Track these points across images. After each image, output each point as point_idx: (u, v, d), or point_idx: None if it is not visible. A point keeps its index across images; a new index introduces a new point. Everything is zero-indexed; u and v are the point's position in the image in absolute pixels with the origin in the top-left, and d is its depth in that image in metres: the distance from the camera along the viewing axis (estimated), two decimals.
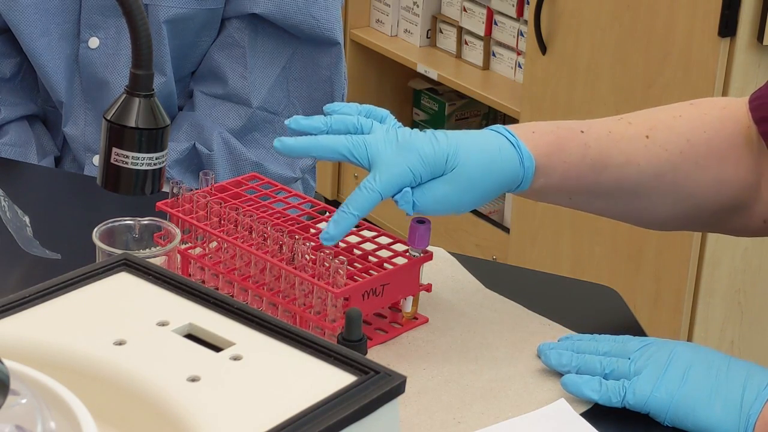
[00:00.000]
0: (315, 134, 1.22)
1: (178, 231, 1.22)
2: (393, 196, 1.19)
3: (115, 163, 1.18)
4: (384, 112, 1.25)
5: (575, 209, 1.32)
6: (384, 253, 1.28)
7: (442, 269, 1.37)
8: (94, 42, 1.76)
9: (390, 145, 1.19)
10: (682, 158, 1.27)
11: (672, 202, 1.29)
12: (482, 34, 3.07)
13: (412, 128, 1.23)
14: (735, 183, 1.29)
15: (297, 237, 1.23)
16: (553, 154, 1.24)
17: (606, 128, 1.27)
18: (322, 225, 1.32)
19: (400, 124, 1.24)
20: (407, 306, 1.26)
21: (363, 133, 1.21)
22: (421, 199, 1.19)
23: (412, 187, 1.19)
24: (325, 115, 1.24)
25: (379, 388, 0.87)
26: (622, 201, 1.29)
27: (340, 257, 1.19)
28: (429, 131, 1.21)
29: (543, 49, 2.63)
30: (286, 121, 1.24)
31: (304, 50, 1.80)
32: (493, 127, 1.24)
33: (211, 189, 1.32)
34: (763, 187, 1.30)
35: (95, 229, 1.21)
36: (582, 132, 1.26)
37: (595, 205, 1.30)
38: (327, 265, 1.18)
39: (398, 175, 1.18)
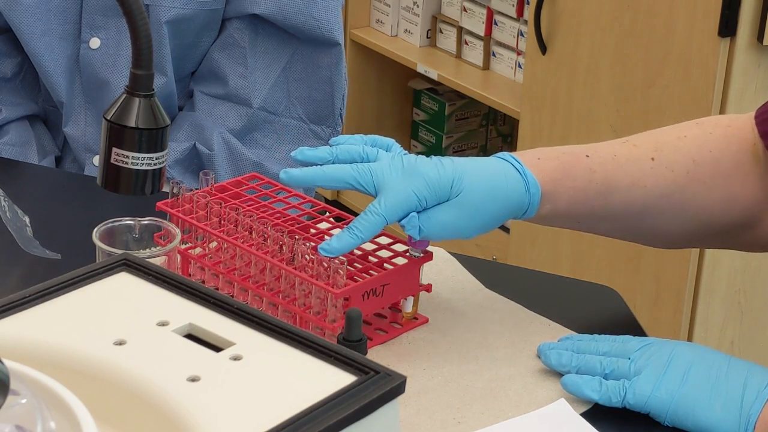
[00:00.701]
0: (320, 164, 1.22)
1: (178, 231, 1.22)
2: (399, 221, 1.20)
3: (115, 163, 1.18)
4: (389, 140, 1.26)
5: (584, 232, 1.32)
6: (384, 253, 1.28)
7: (442, 269, 1.37)
8: (95, 42, 1.76)
9: (395, 171, 1.20)
10: (688, 178, 1.27)
11: (680, 222, 1.29)
12: (482, 34, 3.07)
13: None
14: (743, 200, 1.29)
15: (297, 237, 1.23)
16: (559, 180, 1.24)
17: (611, 151, 1.27)
18: (322, 225, 1.32)
19: (406, 151, 1.25)
20: (407, 306, 1.26)
21: (368, 162, 1.21)
22: (427, 224, 1.19)
23: (417, 212, 1.19)
24: (330, 146, 1.25)
25: (379, 388, 0.87)
26: (631, 223, 1.29)
27: (340, 257, 1.19)
28: (435, 157, 1.22)
29: (543, 49, 2.63)
30: (292, 153, 1.25)
31: (304, 51, 1.80)
32: (499, 154, 1.25)
33: (211, 189, 1.32)
34: None
35: (95, 229, 1.21)
36: (587, 156, 1.26)
37: (603, 228, 1.30)
38: (327, 265, 1.18)
39: (404, 200, 1.18)
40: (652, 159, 1.27)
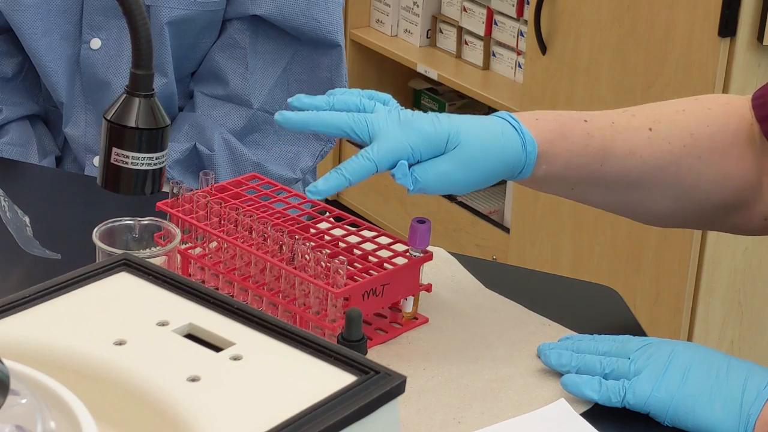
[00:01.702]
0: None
1: (178, 231, 1.22)
2: (390, 171, 1.18)
3: (115, 163, 1.18)
4: (386, 96, 1.25)
5: (576, 201, 1.31)
6: (384, 253, 1.28)
7: (442, 269, 1.37)
8: (95, 43, 1.76)
9: (392, 123, 1.19)
10: (685, 152, 1.27)
11: (673, 196, 1.29)
12: (482, 34, 3.07)
13: None
14: (737, 179, 1.29)
15: (297, 237, 1.23)
16: (555, 141, 1.23)
17: (609, 119, 1.27)
18: (322, 225, 1.32)
19: (403, 107, 1.24)
20: (407, 306, 1.26)
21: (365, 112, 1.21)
22: (423, 175, 1.18)
23: (412, 164, 1.18)
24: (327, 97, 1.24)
25: (379, 388, 0.87)
26: (624, 193, 1.28)
27: (340, 257, 1.19)
28: (431, 113, 1.21)
29: (543, 49, 2.63)
30: (289, 99, 1.23)
31: (304, 52, 1.80)
32: (497, 113, 1.24)
33: (211, 189, 1.32)
34: (765, 184, 1.30)
35: (95, 229, 1.21)
36: (585, 121, 1.25)
37: (596, 196, 1.29)
38: (327, 265, 1.18)
39: (397, 150, 1.17)
40: (650, 129, 1.27)
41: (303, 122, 1.20)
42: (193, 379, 0.87)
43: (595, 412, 1.16)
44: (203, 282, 1.28)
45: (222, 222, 1.27)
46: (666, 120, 1.28)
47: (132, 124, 1.17)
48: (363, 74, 3.34)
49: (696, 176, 1.28)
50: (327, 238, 1.30)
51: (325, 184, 1.16)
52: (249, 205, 1.31)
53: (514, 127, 1.22)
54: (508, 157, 1.21)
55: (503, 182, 3.15)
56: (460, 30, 3.13)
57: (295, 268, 1.20)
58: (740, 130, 1.29)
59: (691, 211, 1.31)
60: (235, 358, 0.90)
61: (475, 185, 1.21)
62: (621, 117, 1.28)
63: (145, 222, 1.24)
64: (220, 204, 1.28)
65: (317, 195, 1.17)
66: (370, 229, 1.32)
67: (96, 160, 1.79)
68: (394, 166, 1.17)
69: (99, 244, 1.20)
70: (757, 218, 1.32)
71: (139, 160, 1.18)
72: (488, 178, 1.21)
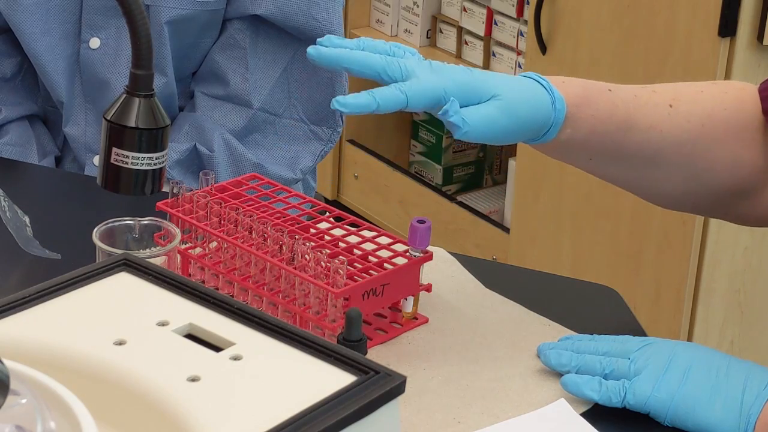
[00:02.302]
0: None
1: (178, 231, 1.22)
2: (436, 112, 1.16)
3: (115, 163, 1.18)
4: (412, 48, 1.24)
5: (591, 173, 1.29)
6: (384, 253, 1.28)
7: (442, 269, 1.37)
8: (95, 42, 1.76)
9: (425, 68, 1.17)
10: (702, 131, 1.27)
11: (686, 177, 1.29)
12: (482, 34, 3.07)
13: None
14: (749, 165, 1.29)
15: (297, 237, 1.23)
16: (582, 105, 1.22)
17: (632, 92, 1.26)
18: (322, 225, 1.32)
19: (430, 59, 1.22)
20: (407, 306, 1.26)
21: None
22: (472, 117, 1.15)
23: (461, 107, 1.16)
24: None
25: (379, 388, 0.87)
26: (640, 168, 1.27)
27: (340, 257, 1.19)
28: (462, 66, 1.20)
29: (543, 49, 2.63)
30: (318, 40, 1.20)
31: (304, 51, 1.80)
32: (525, 73, 1.23)
33: (211, 189, 1.32)
34: None
35: (95, 229, 1.21)
36: (610, 90, 1.25)
37: (612, 169, 1.28)
38: (327, 265, 1.18)
39: (431, 91, 1.15)
40: (671, 106, 1.27)
41: (337, 58, 1.17)
42: (193, 379, 0.87)
43: (595, 412, 1.16)
44: (203, 282, 1.28)
45: (222, 222, 1.27)
46: (686, 99, 1.28)
47: (132, 124, 1.17)
48: None
49: (710, 158, 1.28)
50: (327, 238, 1.30)
51: (354, 99, 1.13)
52: (249, 205, 1.31)
53: (543, 86, 1.21)
54: (540, 112, 1.19)
55: (503, 182, 3.15)
56: (460, 30, 3.13)
57: (295, 268, 1.20)
58: (753, 117, 1.29)
59: (700, 193, 1.31)
60: (235, 358, 0.90)
61: (515, 135, 1.19)
62: (643, 91, 1.27)
63: (145, 222, 1.24)
64: (220, 204, 1.28)
65: (344, 107, 1.13)
66: (370, 229, 1.32)
67: (96, 160, 1.79)
68: (427, 106, 1.15)
69: (99, 244, 1.20)
70: (762, 207, 1.32)
71: (139, 160, 1.18)
72: (525, 129, 1.19)
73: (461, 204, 3.10)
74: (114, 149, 1.18)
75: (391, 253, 1.27)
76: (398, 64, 1.17)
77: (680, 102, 1.27)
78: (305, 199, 1.35)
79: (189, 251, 1.29)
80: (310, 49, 1.18)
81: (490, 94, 1.17)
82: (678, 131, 1.26)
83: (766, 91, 1.30)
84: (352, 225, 1.32)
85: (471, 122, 1.15)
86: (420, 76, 1.16)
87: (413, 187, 3.16)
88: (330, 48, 1.18)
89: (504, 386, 1.19)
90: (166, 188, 1.26)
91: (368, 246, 1.29)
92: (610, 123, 1.23)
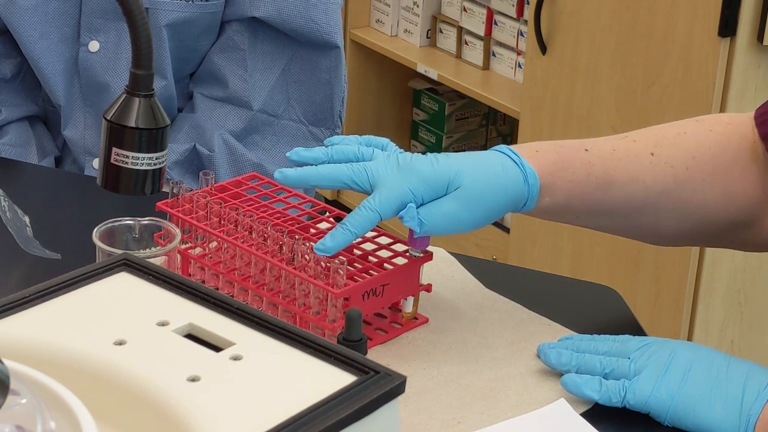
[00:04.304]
0: (315, 165, 1.22)
1: (178, 231, 1.22)
2: (398, 215, 1.19)
3: (115, 163, 1.18)
4: (385, 140, 1.26)
5: (585, 227, 1.32)
6: (384, 253, 1.28)
7: (442, 269, 1.37)
8: (94, 45, 1.76)
9: (391, 169, 1.20)
10: (688, 174, 1.27)
11: (679, 218, 1.29)
12: (482, 34, 3.07)
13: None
14: (742, 198, 1.29)
15: (297, 237, 1.23)
16: (557, 173, 1.24)
17: (610, 146, 1.27)
18: (322, 225, 1.32)
19: (402, 150, 1.25)
20: (407, 306, 1.26)
21: (364, 161, 1.22)
22: (428, 216, 1.19)
23: (418, 206, 1.19)
24: (325, 147, 1.25)
25: (379, 388, 0.87)
26: (630, 219, 1.29)
27: (340, 257, 1.19)
28: (431, 154, 1.22)
29: (543, 49, 2.63)
30: (287, 154, 1.25)
31: (303, 53, 1.80)
32: (496, 147, 1.25)
33: (211, 189, 1.32)
34: None
35: (95, 229, 1.21)
36: (586, 150, 1.26)
37: (602, 223, 1.30)
38: (326, 265, 1.18)
39: (398, 196, 1.19)
40: (652, 154, 1.27)
41: (303, 179, 1.22)
42: (193, 379, 0.87)
43: (595, 412, 1.16)
44: (203, 282, 1.28)
45: (222, 222, 1.27)
46: (667, 143, 1.28)
47: (132, 124, 1.17)
48: (363, 74, 3.34)
49: (701, 197, 1.28)
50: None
51: (332, 241, 1.18)
52: (249, 205, 1.31)
53: (514, 161, 1.22)
54: (510, 192, 1.22)
55: None
56: (460, 30, 3.13)
57: (295, 268, 1.20)
58: (742, 149, 1.29)
59: (698, 230, 1.31)
60: (235, 358, 0.90)
61: (479, 222, 1.22)
62: (622, 143, 1.28)
63: (145, 222, 1.24)
64: (220, 204, 1.28)
65: (325, 252, 1.18)
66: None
67: (95, 163, 1.79)
68: (398, 211, 1.19)
69: (99, 244, 1.20)
70: (765, 234, 1.32)
71: (139, 160, 1.18)
72: (492, 214, 1.22)
73: None
74: (114, 149, 1.18)
75: (391, 253, 1.27)
76: (365, 171, 1.20)
77: (662, 147, 1.28)
78: (305, 199, 1.35)
79: (189, 251, 1.29)
80: (276, 174, 1.23)
81: (454, 186, 1.19)
82: (662, 177, 1.27)
83: (762, 117, 1.29)
84: None
85: (429, 222, 1.19)
86: (386, 182, 1.19)
87: None
88: (295, 169, 1.22)
89: (504, 386, 1.19)
90: (166, 188, 1.26)
91: (368, 246, 1.29)
92: (588, 183, 1.25)
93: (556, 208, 1.25)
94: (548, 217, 1.28)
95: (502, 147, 1.24)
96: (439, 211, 1.19)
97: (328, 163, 1.23)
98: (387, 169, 1.20)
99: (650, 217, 1.29)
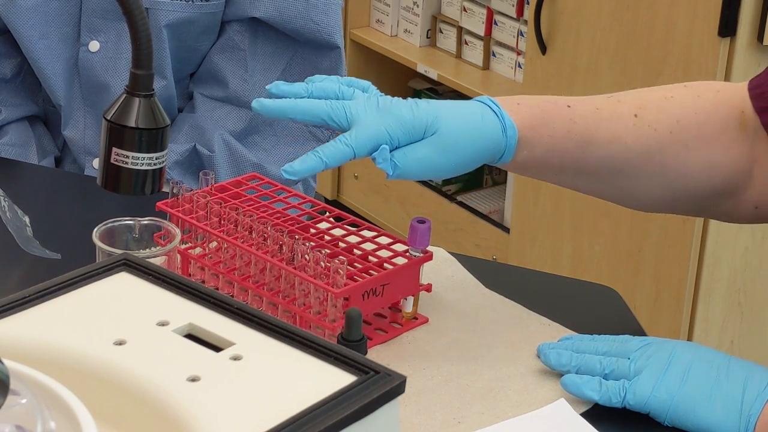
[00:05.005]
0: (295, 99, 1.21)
1: (178, 231, 1.22)
2: (371, 156, 1.18)
3: (115, 163, 1.18)
4: (366, 83, 1.25)
5: (563, 186, 1.30)
6: (384, 253, 1.28)
7: (442, 269, 1.37)
8: (94, 45, 1.76)
9: (370, 110, 1.19)
10: (671, 138, 1.26)
11: (660, 183, 1.28)
12: (482, 34, 3.07)
13: None
14: (726, 167, 1.28)
15: (297, 237, 1.23)
16: (537, 127, 1.23)
17: (593, 105, 1.26)
18: (322, 225, 1.32)
19: (383, 94, 1.24)
20: (407, 306, 1.26)
21: (344, 100, 1.21)
22: (403, 160, 1.18)
23: (392, 150, 1.18)
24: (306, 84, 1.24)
25: (379, 388, 0.87)
26: (609, 180, 1.28)
27: (340, 257, 1.19)
28: (411, 99, 1.21)
29: (543, 49, 2.63)
30: (267, 86, 1.23)
31: (303, 53, 1.80)
32: (479, 98, 1.24)
33: (211, 189, 1.32)
34: (756, 172, 1.29)
35: (95, 229, 1.21)
36: (568, 107, 1.25)
37: (581, 183, 1.29)
38: (327, 265, 1.18)
39: (374, 136, 1.17)
40: (635, 116, 1.26)
41: (280, 109, 1.20)
42: (193, 379, 0.87)
43: (595, 412, 1.16)
44: (203, 282, 1.28)
45: (222, 222, 1.27)
46: (653, 106, 1.27)
47: (132, 124, 1.17)
48: (363, 74, 3.34)
49: (683, 163, 1.27)
50: (327, 238, 1.30)
51: (301, 165, 1.17)
52: (249, 205, 1.31)
53: (494, 111, 1.21)
54: (487, 142, 1.21)
55: (503, 182, 3.15)
56: (460, 30, 3.13)
57: (295, 268, 1.20)
58: (730, 118, 1.28)
59: (679, 197, 1.30)
60: (235, 358, 0.90)
61: (455, 170, 1.21)
62: (606, 102, 1.27)
63: (145, 222, 1.24)
64: (220, 204, 1.28)
65: (293, 175, 1.16)
66: (370, 229, 1.32)
67: (95, 163, 1.79)
68: (372, 151, 1.17)
69: (99, 244, 1.20)
70: (746, 206, 1.31)
71: (139, 160, 1.18)
72: (468, 162, 1.21)
73: (461, 204, 3.10)
74: (114, 149, 1.18)
75: (391, 253, 1.27)
76: (343, 109, 1.19)
77: (646, 110, 1.27)
78: (305, 199, 1.35)
79: (189, 251, 1.29)
80: (254, 104, 1.21)
81: (432, 131, 1.18)
82: (645, 140, 1.26)
83: (757, 89, 1.29)
84: (352, 225, 1.32)
85: (403, 165, 1.18)
86: (364, 121, 1.18)
87: (413, 187, 3.16)
88: (273, 100, 1.20)
89: (504, 386, 1.19)
90: (166, 188, 1.26)
91: (368, 246, 1.29)
92: (568, 140, 1.24)
93: (533, 162, 1.24)
94: (526, 171, 1.26)
95: (484, 98, 1.23)
96: (413, 155, 1.18)
97: (308, 99, 1.22)
98: (366, 109, 1.19)
99: (630, 180, 1.28)
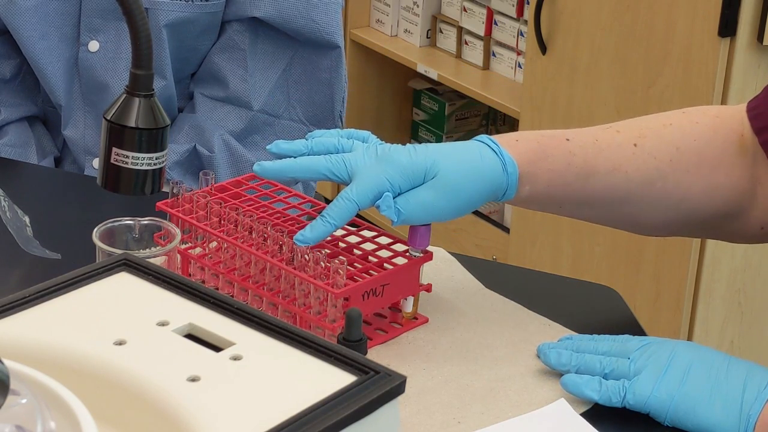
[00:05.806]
0: (295, 157, 1.23)
1: (178, 231, 1.22)
2: (375, 204, 1.19)
3: (115, 163, 1.18)
4: (366, 133, 1.27)
5: (569, 217, 1.32)
6: (384, 253, 1.28)
7: (442, 269, 1.37)
8: (94, 45, 1.76)
9: (369, 160, 1.20)
10: (671, 166, 1.27)
11: (663, 209, 1.29)
12: (482, 34, 3.07)
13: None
14: (728, 190, 1.29)
15: None
16: (537, 162, 1.24)
17: (592, 136, 1.27)
18: None
19: (382, 142, 1.25)
20: (407, 306, 1.26)
21: (343, 153, 1.22)
22: (406, 206, 1.19)
23: (395, 196, 1.19)
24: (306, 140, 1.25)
25: (379, 388, 0.87)
26: (612, 209, 1.29)
27: (340, 257, 1.19)
28: (410, 145, 1.22)
29: (543, 49, 2.63)
30: (267, 147, 1.25)
31: (304, 53, 1.80)
32: (477, 137, 1.25)
33: (211, 189, 1.32)
34: (760, 193, 1.30)
35: (95, 229, 1.21)
36: (567, 140, 1.26)
37: (585, 213, 1.30)
38: (327, 265, 1.18)
39: (375, 185, 1.19)
40: (635, 145, 1.27)
41: (281, 171, 1.22)
42: (193, 379, 0.87)
43: (595, 412, 1.16)
44: (203, 282, 1.28)
45: (222, 222, 1.27)
46: (652, 135, 1.28)
47: (132, 124, 1.17)
48: (363, 74, 3.34)
49: (685, 189, 1.28)
50: (327, 238, 1.30)
51: (312, 233, 1.19)
52: (249, 205, 1.31)
53: (493, 149, 1.22)
54: (489, 181, 1.22)
55: None
56: (460, 30, 3.13)
57: (294, 269, 1.20)
58: (729, 143, 1.29)
59: (683, 221, 1.31)
60: (235, 358, 0.90)
61: (459, 211, 1.22)
62: (605, 133, 1.28)
63: (145, 222, 1.24)
64: (220, 204, 1.28)
65: (305, 243, 1.19)
66: (370, 229, 1.32)
67: (95, 163, 1.79)
68: (375, 201, 1.19)
69: (99, 244, 1.20)
70: (753, 226, 1.31)
71: (139, 160, 1.18)
72: (472, 202, 1.22)
73: None
74: (114, 149, 1.18)
75: (391, 253, 1.27)
76: (343, 162, 1.21)
77: (645, 139, 1.28)
78: (305, 199, 1.35)
79: (189, 251, 1.29)
80: (255, 167, 1.23)
81: (431, 175, 1.20)
82: (645, 169, 1.27)
83: (754, 110, 1.29)
84: (352, 225, 1.32)
85: (406, 211, 1.20)
86: (363, 173, 1.19)
87: None
88: (273, 162, 1.22)
89: (504, 386, 1.19)
90: (166, 188, 1.26)
91: (368, 246, 1.29)
92: (568, 173, 1.25)
93: (536, 197, 1.25)
94: (530, 206, 1.28)
95: (483, 137, 1.24)
96: (416, 199, 1.20)
97: (308, 155, 1.23)
98: (365, 160, 1.20)
99: (633, 207, 1.28)
